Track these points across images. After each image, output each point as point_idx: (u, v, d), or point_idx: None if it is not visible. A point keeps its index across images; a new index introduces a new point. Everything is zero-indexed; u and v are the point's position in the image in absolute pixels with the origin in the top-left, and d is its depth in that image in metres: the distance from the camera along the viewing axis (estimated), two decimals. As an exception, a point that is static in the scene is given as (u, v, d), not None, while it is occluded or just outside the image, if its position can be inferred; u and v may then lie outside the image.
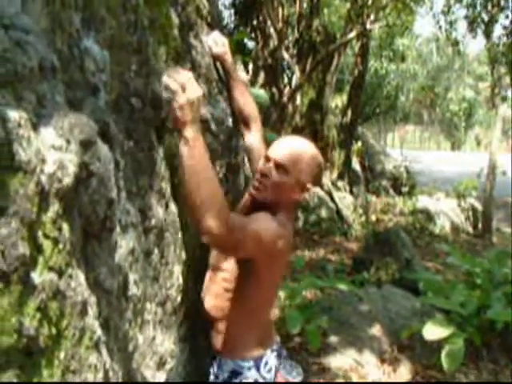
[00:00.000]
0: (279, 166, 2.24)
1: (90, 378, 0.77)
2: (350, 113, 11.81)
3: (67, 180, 0.72)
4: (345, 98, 14.36)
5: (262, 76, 9.63)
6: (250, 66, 9.87)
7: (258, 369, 2.33)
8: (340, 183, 11.95)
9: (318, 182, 2.40)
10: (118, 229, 1.16)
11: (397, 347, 5.64)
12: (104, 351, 0.84)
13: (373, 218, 12.89)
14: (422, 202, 13.39)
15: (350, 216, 11.57)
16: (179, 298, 1.95)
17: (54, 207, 0.71)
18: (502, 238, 12.66)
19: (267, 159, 2.29)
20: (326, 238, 10.91)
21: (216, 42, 2.63)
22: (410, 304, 6.26)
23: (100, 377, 0.79)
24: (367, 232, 10.98)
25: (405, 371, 5.29)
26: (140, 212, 1.59)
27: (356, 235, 11.13)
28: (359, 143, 14.72)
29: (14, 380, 0.63)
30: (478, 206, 13.83)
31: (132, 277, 1.26)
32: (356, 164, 13.62)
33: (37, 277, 0.66)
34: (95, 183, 0.83)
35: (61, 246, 0.71)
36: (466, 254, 7.40)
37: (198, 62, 2.44)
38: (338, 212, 11.41)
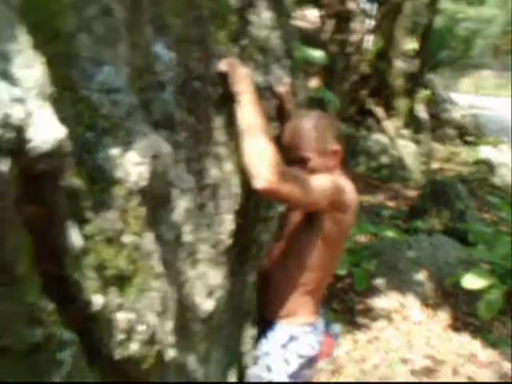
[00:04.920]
0: (302, 160, 2.46)
1: (155, 295, 1.21)
2: (417, 61, 11.81)
3: (143, 183, 1.11)
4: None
5: (331, 23, 9.75)
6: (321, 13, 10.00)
7: (314, 333, 2.51)
8: (404, 131, 12.01)
9: (337, 137, 2.55)
10: (177, 192, 1.57)
11: (441, 293, 5.96)
12: (163, 280, 1.27)
13: (435, 166, 12.96)
14: (486, 152, 13.34)
15: (412, 164, 11.67)
16: (230, 241, 2.34)
17: (136, 199, 1.11)
18: None
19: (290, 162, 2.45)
20: (387, 184, 11.11)
21: (280, 81, 2.74)
22: (458, 254, 6.46)
23: (160, 295, 1.23)
24: (427, 180, 11.12)
25: (445, 316, 5.62)
26: (198, 173, 2.00)
27: (416, 183, 11.27)
28: (427, 91, 14.66)
29: (116, 293, 1.07)
30: (545, 159, 13.65)
31: (186, 228, 1.69)
32: (422, 112, 13.61)
33: (126, 238, 1.09)
34: (159, 174, 1.22)
35: (139, 220, 1.13)
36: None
37: (255, 35, 2.70)
38: (400, 159, 11.57)
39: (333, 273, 2.71)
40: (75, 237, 0.90)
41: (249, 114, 2.17)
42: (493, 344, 5.17)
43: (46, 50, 0.91)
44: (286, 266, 2.51)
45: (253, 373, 2.53)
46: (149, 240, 1.18)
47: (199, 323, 2.03)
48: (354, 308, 5.73)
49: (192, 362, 1.90)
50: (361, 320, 5.54)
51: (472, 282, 5.14)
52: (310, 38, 10.84)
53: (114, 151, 1.06)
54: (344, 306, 5.77)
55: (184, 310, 1.74)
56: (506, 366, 4.84)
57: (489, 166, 12.48)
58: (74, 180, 0.91)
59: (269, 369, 2.47)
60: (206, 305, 2.08)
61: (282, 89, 2.78)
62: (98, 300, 0.98)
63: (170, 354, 1.38)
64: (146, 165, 1.12)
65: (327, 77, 9.91)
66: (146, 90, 1.50)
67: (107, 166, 1.03)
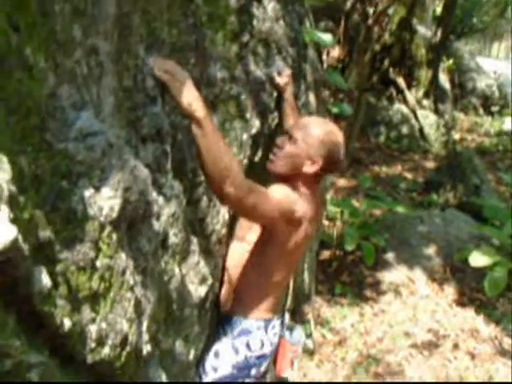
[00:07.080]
0: (291, 137, 2.48)
1: (126, 305, 1.35)
2: (440, 31, 11.64)
3: (114, 215, 1.24)
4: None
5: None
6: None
7: (266, 330, 2.63)
8: (425, 102, 11.91)
9: (333, 159, 2.50)
10: (162, 201, 1.71)
11: (449, 269, 6.06)
12: (137, 290, 1.41)
13: (457, 136, 12.87)
14: (509, 123, 13.17)
15: (433, 134, 11.63)
16: (224, 231, 2.50)
17: (108, 229, 1.24)
18: None
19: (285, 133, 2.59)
20: (406, 154, 11.12)
21: (280, 73, 2.90)
22: (470, 229, 6.50)
23: (132, 303, 1.37)
24: (447, 152, 11.09)
25: (451, 291, 5.74)
26: (192, 172, 2.14)
27: (436, 154, 11.26)
28: (450, 61, 14.44)
29: (88, 310, 1.21)
30: None
31: (172, 231, 1.82)
32: (445, 82, 13.44)
33: (99, 263, 1.23)
34: (136, 199, 1.36)
35: (111, 245, 1.26)
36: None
37: (257, 29, 2.77)
38: (421, 130, 11.54)
39: (290, 277, 2.84)
40: (44, 279, 1.02)
41: (208, 127, 1.95)
42: (496, 320, 5.29)
43: (21, 126, 1.04)
44: (244, 269, 2.63)
45: (203, 360, 2.60)
46: (122, 259, 1.31)
47: (191, 308, 2.18)
48: (363, 281, 5.87)
49: (180, 345, 2.06)
50: (369, 293, 5.69)
51: (478, 259, 5.22)
52: (333, 7, 10.82)
53: (88, 192, 1.19)
54: (353, 278, 5.92)
55: (170, 302, 1.88)
56: (507, 341, 4.97)
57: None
58: (44, 232, 1.04)
59: (216, 354, 2.59)
60: (199, 291, 2.24)
61: (282, 80, 2.92)
62: (68, 322, 1.13)
63: (146, 349, 1.53)
64: (117, 198, 1.25)
65: (349, 46, 9.93)
66: (135, 108, 1.62)
67: (80, 207, 1.17)
